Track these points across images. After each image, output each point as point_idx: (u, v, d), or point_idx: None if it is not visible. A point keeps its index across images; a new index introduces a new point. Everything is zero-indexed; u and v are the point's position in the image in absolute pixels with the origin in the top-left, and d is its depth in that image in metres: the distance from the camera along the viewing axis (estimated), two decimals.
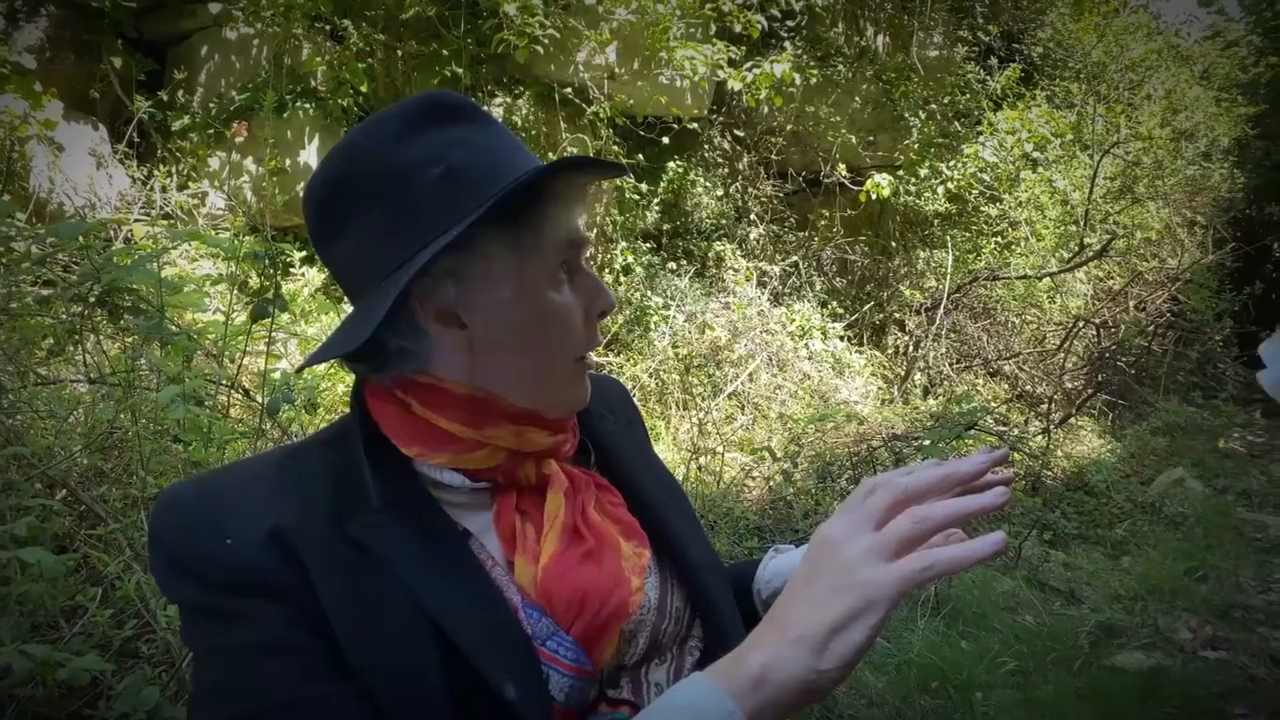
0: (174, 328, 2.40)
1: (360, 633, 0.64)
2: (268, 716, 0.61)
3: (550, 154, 5.71)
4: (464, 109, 0.75)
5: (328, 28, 5.41)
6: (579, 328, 0.77)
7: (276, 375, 2.82)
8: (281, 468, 0.73)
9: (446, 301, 0.72)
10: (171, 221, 4.74)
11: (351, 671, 0.63)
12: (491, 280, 0.72)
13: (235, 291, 2.58)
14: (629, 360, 5.78)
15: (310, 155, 5.27)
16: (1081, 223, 7.84)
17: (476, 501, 0.75)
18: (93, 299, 2.31)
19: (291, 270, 4.89)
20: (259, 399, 2.65)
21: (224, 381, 2.78)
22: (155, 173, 4.89)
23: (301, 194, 0.77)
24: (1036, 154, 7.47)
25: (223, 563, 0.65)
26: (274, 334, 2.60)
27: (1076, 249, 7.75)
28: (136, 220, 4.55)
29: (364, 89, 5.38)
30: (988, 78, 7.76)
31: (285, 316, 3.69)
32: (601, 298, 0.78)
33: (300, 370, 0.87)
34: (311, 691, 0.62)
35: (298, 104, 5.18)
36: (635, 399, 5.79)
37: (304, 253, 5.15)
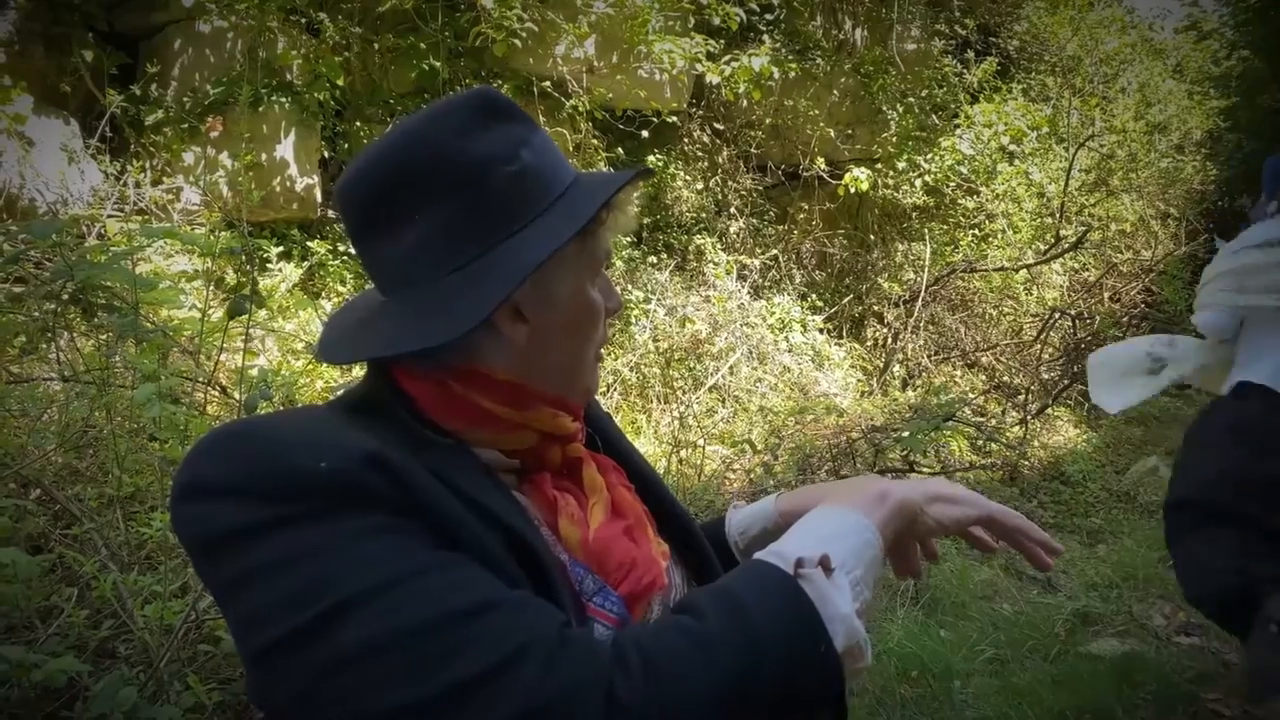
0: (149, 325, 2.38)
1: (467, 543, 0.63)
2: (390, 589, 0.57)
3: None
4: (514, 108, 0.77)
5: (303, 20, 5.36)
6: (603, 323, 0.82)
7: (254, 371, 2.80)
8: (335, 414, 0.72)
9: (518, 298, 0.73)
10: (145, 217, 4.67)
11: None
12: (560, 280, 0.75)
13: (211, 288, 2.55)
14: (610, 354, 5.78)
15: (286, 149, 5.22)
16: (1057, 215, 7.91)
17: (509, 480, 0.77)
18: (66, 296, 2.29)
19: (268, 266, 4.85)
20: (236, 396, 2.63)
21: (200, 379, 2.76)
22: (128, 168, 4.82)
23: (344, 179, 0.75)
24: (1013, 147, 7.51)
25: (318, 476, 0.60)
26: (251, 330, 2.58)
27: (1052, 241, 7.82)
28: (110, 216, 4.49)
29: (340, 83, 5.33)
30: (964, 71, 7.81)
31: (262, 313, 3.66)
32: (613, 298, 0.83)
33: (351, 362, 0.87)
34: (432, 559, 0.60)
35: (273, 98, 5.12)
36: (616, 393, 5.76)
37: (281, 248, 5.10)
